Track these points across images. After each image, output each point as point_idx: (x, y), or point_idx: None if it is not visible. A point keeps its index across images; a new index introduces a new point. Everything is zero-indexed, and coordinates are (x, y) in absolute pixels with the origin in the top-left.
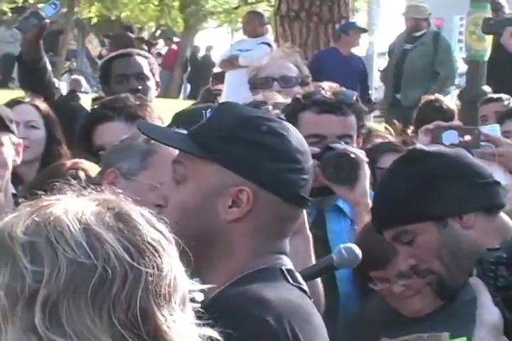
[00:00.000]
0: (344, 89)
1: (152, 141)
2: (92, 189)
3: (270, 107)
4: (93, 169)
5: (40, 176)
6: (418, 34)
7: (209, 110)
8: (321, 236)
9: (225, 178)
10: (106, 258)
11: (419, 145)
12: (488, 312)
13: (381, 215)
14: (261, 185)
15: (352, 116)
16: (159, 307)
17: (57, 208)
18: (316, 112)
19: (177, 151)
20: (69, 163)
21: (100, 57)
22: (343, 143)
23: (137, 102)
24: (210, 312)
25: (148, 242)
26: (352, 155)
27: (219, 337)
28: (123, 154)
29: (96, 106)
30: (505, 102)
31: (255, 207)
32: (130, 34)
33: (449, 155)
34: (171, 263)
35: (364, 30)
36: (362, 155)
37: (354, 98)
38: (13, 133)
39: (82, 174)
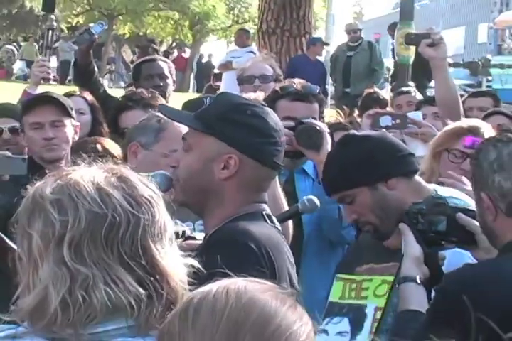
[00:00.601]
0: (310, 84)
1: (162, 121)
2: (100, 161)
3: (257, 80)
4: (109, 143)
5: (71, 149)
6: (355, 44)
7: (208, 99)
8: (290, 191)
9: (219, 148)
10: (113, 208)
11: (351, 131)
12: (412, 247)
13: (327, 185)
14: (245, 153)
15: (316, 104)
16: (154, 243)
17: (75, 174)
18: (289, 100)
19: (182, 128)
20: (90, 139)
21: (132, 62)
22: (311, 118)
23: (149, 95)
24: (209, 241)
25: (143, 196)
26: (317, 127)
27: (198, 265)
28: (141, 131)
29: (120, 99)
30: (413, 94)
31: (241, 169)
32: (153, 45)
33: (373, 137)
34: (161, 212)
35: (326, 44)
36: (325, 127)
37: (317, 90)
38: (72, 117)
39: (99, 146)
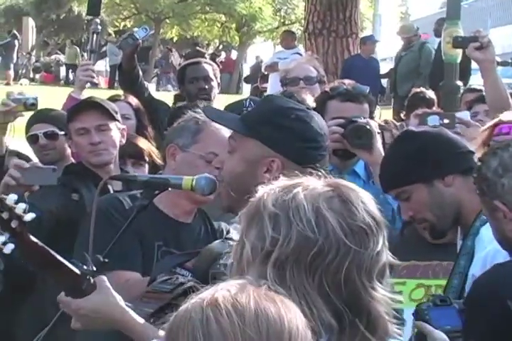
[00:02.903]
0: (359, 84)
1: (200, 122)
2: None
3: (302, 82)
4: (142, 142)
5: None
6: (411, 45)
7: (248, 100)
8: None
9: (262, 151)
10: (326, 234)
11: (409, 128)
12: (439, 334)
13: (384, 181)
14: (287, 157)
15: (366, 104)
16: (360, 276)
17: (300, 190)
18: (340, 101)
19: (220, 130)
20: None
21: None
22: (362, 117)
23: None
24: None
25: (361, 226)
26: (368, 127)
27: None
28: (179, 133)
29: (178, 108)
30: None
31: (283, 174)
32: (198, 48)
33: (431, 133)
34: (376, 243)
35: (376, 41)
36: (375, 127)
37: (367, 90)
38: (118, 121)
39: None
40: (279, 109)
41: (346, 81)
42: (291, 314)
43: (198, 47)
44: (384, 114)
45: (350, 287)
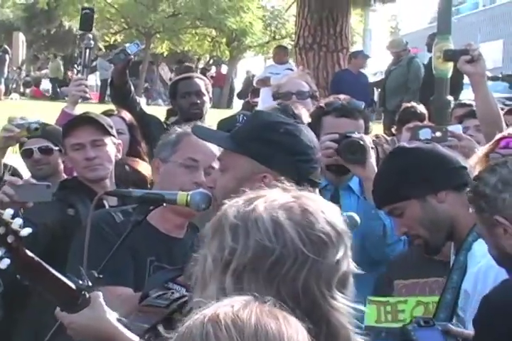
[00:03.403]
0: (354, 100)
1: (179, 133)
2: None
3: (294, 97)
4: (138, 163)
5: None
6: (400, 59)
7: (241, 115)
8: None
9: (253, 167)
10: (284, 244)
11: (402, 144)
12: None
13: (377, 197)
14: (279, 172)
15: (361, 120)
16: (318, 285)
17: (261, 201)
18: (335, 116)
19: (198, 140)
20: (118, 161)
21: (170, 79)
22: (356, 132)
23: None
24: None
25: (319, 236)
26: (361, 142)
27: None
28: (161, 147)
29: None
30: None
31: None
32: (186, 64)
33: (424, 149)
34: (335, 253)
35: (367, 56)
36: (369, 142)
37: (362, 106)
38: (113, 136)
39: (127, 168)
40: (268, 124)
41: (341, 96)
42: (292, 330)
43: (186, 64)
44: (374, 128)
45: (308, 296)
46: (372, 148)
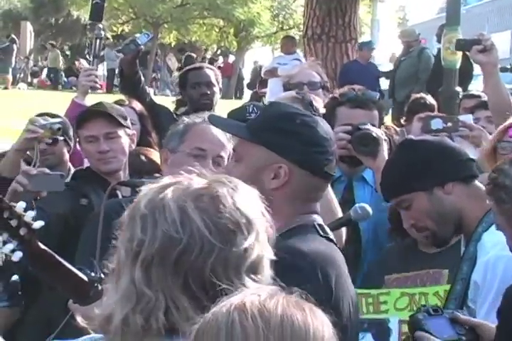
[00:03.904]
0: (369, 90)
1: (186, 123)
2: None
3: (305, 87)
4: (152, 153)
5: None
6: (410, 50)
7: (251, 106)
8: (349, 199)
9: (269, 157)
10: (190, 233)
11: (409, 136)
12: None
13: (385, 189)
14: (295, 162)
15: (375, 111)
16: (226, 273)
17: (171, 190)
18: (349, 107)
19: (207, 127)
20: (133, 151)
21: (180, 69)
22: (369, 124)
23: None
24: None
25: (227, 223)
26: (374, 134)
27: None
28: (169, 137)
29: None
30: (483, 98)
31: (291, 179)
32: (190, 53)
33: (431, 142)
34: (243, 240)
35: (372, 48)
36: (381, 134)
37: (377, 97)
38: (127, 127)
39: (143, 157)
40: (285, 115)
41: (356, 87)
42: (318, 322)
43: (188, 53)
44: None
45: (215, 284)
46: (385, 140)
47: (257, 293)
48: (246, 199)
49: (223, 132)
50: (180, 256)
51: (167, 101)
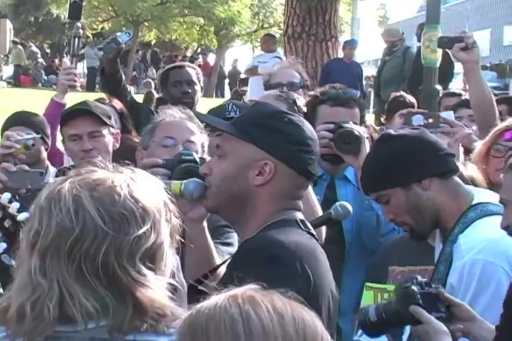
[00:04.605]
0: (350, 89)
1: (155, 121)
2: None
3: (285, 88)
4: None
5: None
6: (394, 49)
7: (231, 104)
8: (332, 197)
9: (254, 154)
10: (83, 222)
11: (388, 131)
12: (437, 324)
13: (364, 184)
14: (280, 160)
15: (356, 109)
16: (119, 260)
17: (67, 182)
18: (330, 105)
19: (175, 119)
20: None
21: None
22: (351, 122)
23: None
24: (239, 251)
25: (121, 212)
26: (356, 132)
27: (177, 285)
28: (142, 138)
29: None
30: (464, 96)
31: (275, 176)
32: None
33: (409, 136)
34: (137, 228)
35: (353, 47)
36: (363, 132)
37: (358, 95)
38: (110, 126)
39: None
40: (272, 113)
41: (337, 85)
42: (319, 322)
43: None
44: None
45: (109, 271)
46: (367, 137)
47: (252, 288)
48: (144, 190)
49: (194, 122)
50: (74, 244)
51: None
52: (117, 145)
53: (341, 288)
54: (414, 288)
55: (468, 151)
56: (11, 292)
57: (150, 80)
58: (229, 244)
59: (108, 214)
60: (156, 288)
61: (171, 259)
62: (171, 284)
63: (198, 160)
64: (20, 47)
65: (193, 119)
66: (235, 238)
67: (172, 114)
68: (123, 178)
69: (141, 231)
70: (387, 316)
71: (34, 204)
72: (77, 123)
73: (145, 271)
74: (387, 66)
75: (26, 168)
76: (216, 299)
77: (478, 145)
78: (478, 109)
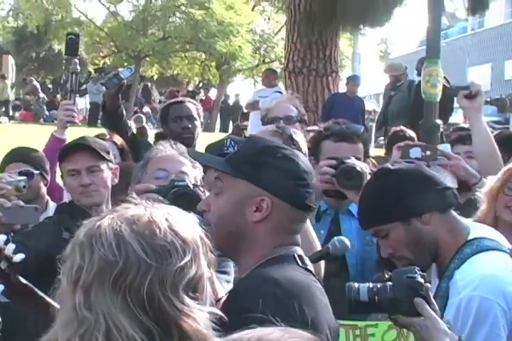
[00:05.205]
0: (354, 124)
1: (145, 157)
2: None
3: (282, 122)
4: None
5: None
6: (399, 84)
7: (229, 140)
8: (336, 231)
9: (250, 191)
10: (126, 256)
11: (385, 165)
12: (438, 322)
13: (362, 219)
14: (277, 195)
15: (360, 144)
16: (163, 291)
17: (106, 218)
18: (333, 141)
19: (166, 152)
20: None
21: (160, 102)
22: (353, 158)
23: None
24: (235, 290)
25: (162, 244)
26: (358, 168)
27: (220, 313)
28: (134, 175)
29: None
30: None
31: (273, 212)
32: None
33: (407, 171)
34: (180, 259)
35: (356, 84)
36: (365, 168)
37: (362, 130)
38: (109, 160)
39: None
40: (265, 148)
41: (340, 120)
42: None
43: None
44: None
45: (154, 302)
46: (369, 173)
47: (286, 331)
48: (182, 223)
49: (185, 157)
50: (118, 277)
51: (149, 134)
52: (116, 181)
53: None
54: (418, 278)
55: (467, 186)
56: (56, 328)
57: (141, 115)
58: (225, 273)
59: (150, 246)
60: (200, 318)
61: (209, 290)
62: (213, 313)
63: (191, 186)
64: (6, 81)
65: (184, 154)
66: (231, 266)
67: (163, 149)
68: (160, 213)
69: (182, 263)
70: (379, 300)
71: (72, 242)
72: (75, 158)
73: (189, 301)
74: (394, 100)
75: (21, 203)
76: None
77: (489, 181)
78: (480, 156)
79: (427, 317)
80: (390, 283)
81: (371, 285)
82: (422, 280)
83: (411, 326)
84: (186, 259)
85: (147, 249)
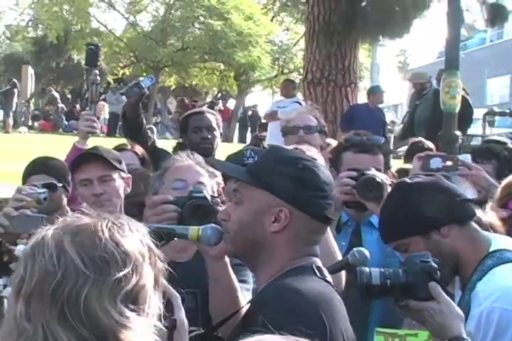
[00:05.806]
0: (374, 135)
1: (163, 167)
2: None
3: (301, 131)
4: None
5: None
6: (424, 92)
7: (249, 150)
8: (357, 243)
9: (270, 201)
10: (65, 267)
11: (404, 179)
12: (453, 306)
13: (382, 233)
14: (296, 206)
15: (380, 155)
16: (101, 302)
17: (52, 229)
18: (354, 152)
19: (183, 162)
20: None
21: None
22: (373, 169)
23: None
24: (257, 300)
25: (100, 255)
26: (378, 180)
27: (161, 326)
28: (152, 182)
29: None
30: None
31: (291, 223)
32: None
33: (425, 184)
34: (119, 270)
35: (381, 91)
36: (386, 179)
37: (382, 141)
38: (121, 170)
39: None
40: (286, 159)
41: (361, 131)
42: None
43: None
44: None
45: (91, 314)
46: (390, 184)
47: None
48: (126, 234)
49: (202, 167)
50: (57, 288)
51: (167, 144)
52: (129, 190)
53: (368, 331)
54: (435, 265)
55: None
56: None
57: (152, 126)
58: (244, 281)
59: (88, 257)
60: (139, 329)
61: (156, 301)
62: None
63: (208, 197)
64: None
65: (201, 164)
66: (249, 275)
67: (180, 159)
68: (105, 223)
69: (121, 274)
70: (391, 284)
71: (23, 252)
72: (87, 168)
73: (128, 313)
74: (419, 109)
75: (28, 212)
76: None
77: (498, 191)
78: None
79: (442, 302)
80: (401, 268)
81: (383, 269)
82: (435, 265)
83: (424, 310)
84: (126, 270)
85: (86, 260)
